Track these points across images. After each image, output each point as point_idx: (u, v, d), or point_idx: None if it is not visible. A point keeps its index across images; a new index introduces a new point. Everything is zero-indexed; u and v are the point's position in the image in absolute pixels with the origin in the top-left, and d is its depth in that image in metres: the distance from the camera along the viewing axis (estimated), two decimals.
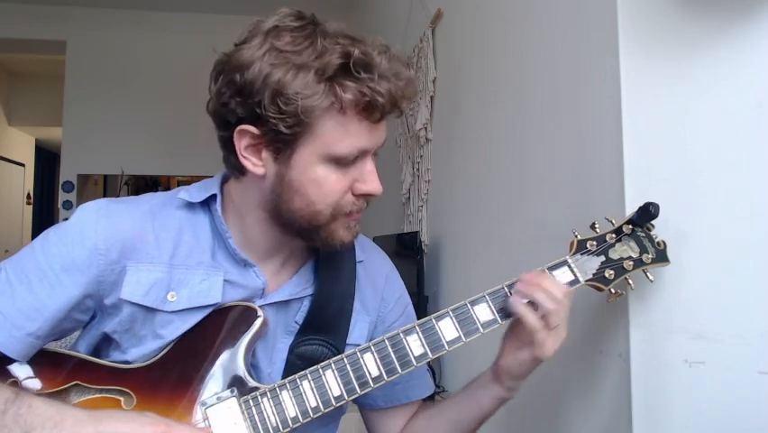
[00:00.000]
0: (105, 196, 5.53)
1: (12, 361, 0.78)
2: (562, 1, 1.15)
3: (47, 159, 7.59)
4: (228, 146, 0.79)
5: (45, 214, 7.15)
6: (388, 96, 0.73)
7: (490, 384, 0.86)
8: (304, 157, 0.75)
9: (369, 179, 0.78)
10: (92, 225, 0.79)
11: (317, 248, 0.90)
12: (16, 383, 0.77)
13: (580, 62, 1.06)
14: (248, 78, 0.72)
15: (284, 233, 0.83)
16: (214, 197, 0.85)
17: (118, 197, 0.90)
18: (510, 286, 0.82)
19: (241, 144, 0.77)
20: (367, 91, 0.72)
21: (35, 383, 0.78)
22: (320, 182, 0.76)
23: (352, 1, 4.10)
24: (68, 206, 4.62)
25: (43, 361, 0.80)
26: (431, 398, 1.00)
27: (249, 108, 0.73)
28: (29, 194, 7.33)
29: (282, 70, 0.71)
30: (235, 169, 0.82)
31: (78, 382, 0.78)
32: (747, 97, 0.87)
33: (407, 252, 2.15)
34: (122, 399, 0.77)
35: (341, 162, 0.76)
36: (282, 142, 0.74)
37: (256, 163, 0.77)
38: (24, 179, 7.25)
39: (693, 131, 0.89)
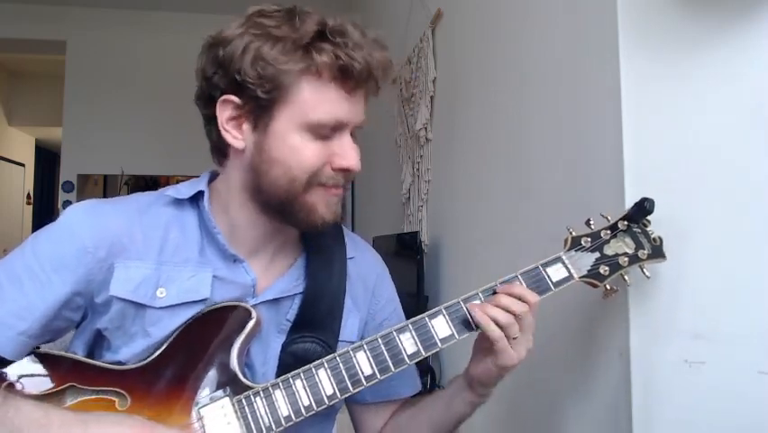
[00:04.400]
0: (105, 196, 5.53)
1: (5, 361, 0.78)
2: (561, 1, 1.15)
3: (47, 159, 7.58)
4: (212, 124, 0.81)
5: (45, 214, 7.14)
6: (362, 63, 0.76)
7: (463, 391, 0.87)
8: (282, 124, 0.77)
9: (347, 154, 0.79)
10: (80, 225, 0.80)
11: (308, 244, 0.91)
12: (7, 386, 0.77)
13: (580, 62, 1.06)
14: (229, 50, 0.76)
15: (266, 213, 0.83)
16: (201, 193, 0.85)
17: (118, 196, 0.90)
18: (503, 283, 0.82)
19: (223, 117, 0.79)
20: (342, 55, 0.75)
21: (37, 382, 0.78)
22: (298, 149, 0.77)
23: (352, 1, 4.10)
24: (68, 206, 4.61)
25: (38, 363, 0.80)
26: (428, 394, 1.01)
27: (230, 78, 0.77)
28: (29, 194, 7.33)
29: (261, 40, 0.75)
30: (219, 151, 0.84)
31: (73, 384, 0.78)
32: (747, 97, 0.87)
33: (407, 252, 2.15)
34: (116, 400, 0.77)
35: (318, 132, 0.77)
36: (261, 108, 0.77)
37: (236, 136, 0.80)
38: (24, 179, 7.25)
39: (693, 131, 0.89)
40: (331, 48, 0.75)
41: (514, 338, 0.78)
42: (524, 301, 0.79)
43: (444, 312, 0.81)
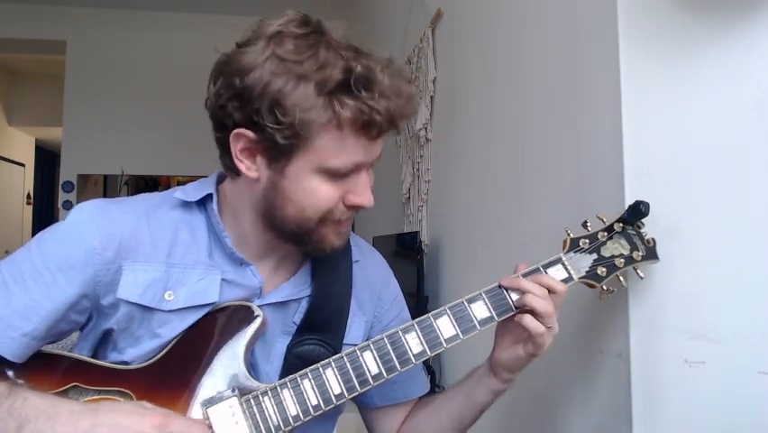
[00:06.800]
0: (105, 196, 5.53)
1: (7, 363, 0.77)
2: (561, 1, 1.15)
3: (47, 159, 7.58)
4: (224, 147, 0.79)
5: (45, 214, 7.14)
6: (386, 115, 0.73)
7: (486, 378, 0.87)
8: (298, 168, 0.75)
9: (361, 191, 0.79)
10: (87, 225, 0.79)
11: None
12: (11, 380, 0.76)
13: (579, 62, 1.06)
14: (247, 83, 0.72)
15: (276, 237, 0.83)
16: (210, 196, 0.85)
17: (118, 197, 0.89)
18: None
19: (236, 147, 0.77)
20: (365, 109, 0.72)
21: (39, 382, 0.78)
22: (313, 192, 0.76)
23: (352, 0, 4.10)
24: (68, 206, 4.61)
25: (41, 363, 0.79)
26: (427, 395, 1.01)
27: (246, 114, 0.73)
28: (29, 194, 7.32)
29: (282, 80, 0.71)
30: (230, 169, 0.82)
31: (77, 384, 0.78)
32: (747, 97, 0.87)
33: (407, 252, 2.15)
34: (121, 400, 0.77)
35: (335, 175, 0.76)
36: (277, 151, 0.75)
37: (250, 167, 0.78)
38: (24, 179, 7.25)
39: (693, 131, 0.89)
40: (355, 103, 0.72)
41: (549, 327, 0.79)
42: (552, 291, 0.81)
43: (449, 312, 0.82)
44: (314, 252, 0.84)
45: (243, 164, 0.78)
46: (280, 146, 0.73)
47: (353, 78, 0.71)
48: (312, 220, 0.78)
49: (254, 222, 0.83)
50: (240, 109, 0.74)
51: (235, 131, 0.75)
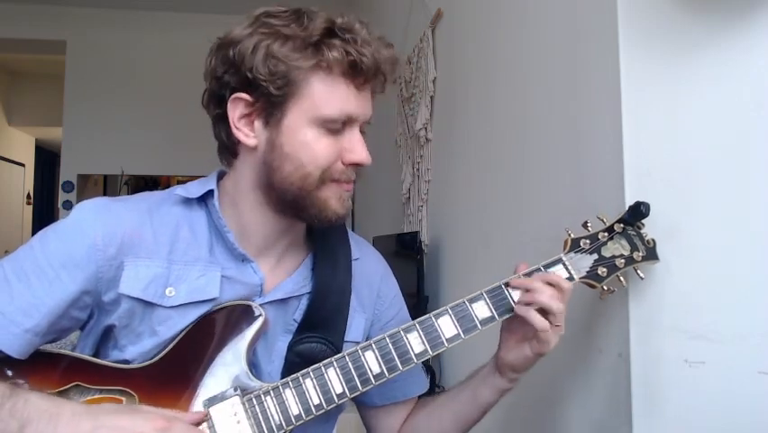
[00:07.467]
0: (105, 195, 5.52)
1: (9, 360, 0.77)
2: (561, 1, 1.15)
3: (47, 159, 7.58)
4: (222, 123, 0.83)
5: (45, 214, 7.13)
6: (371, 59, 0.78)
7: (491, 377, 0.87)
8: (293, 120, 0.78)
9: (357, 148, 0.81)
10: (90, 222, 0.80)
11: (314, 244, 0.91)
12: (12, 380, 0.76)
13: (579, 62, 1.06)
14: (240, 49, 0.77)
15: (277, 211, 0.84)
16: (211, 192, 0.86)
17: (125, 195, 0.90)
18: (507, 285, 0.83)
19: (234, 115, 0.80)
20: (351, 51, 0.77)
21: (41, 381, 0.78)
22: (310, 145, 0.79)
23: (352, 0, 4.10)
24: (68, 206, 4.61)
25: (43, 362, 0.79)
26: (428, 395, 1.01)
27: (241, 76, 0.78)
28: (29, 194, 7.32)
29: (271, 39, 0.77)
30: (228, 151, 0.85)
31: (79, 383, 0.78)
32: (747, 98, 0.87)
33: (407, 252, 2.15)
34: (123, 399, 0.77)
35: (329, 127, 0.79)
36: (273, 105, 0.78)
37: (248, 134, 0.81)
38: (24, 179, 7.24)
39: (693, 131, 0.89)
40: (340, 44, 0.77)
41: (557, 325, 0.80)
42: (558, 288, 0.81)
43: (450, 312, 0.82)
44: (318, 223, 0.84)
45: (242, 132, 0.81)
46: (274, 98, 0.77)
47: (336, 26, 0.77)
48: (312, 177, 0.79)
49: (255, 203, 0.84)
50: (235, 74, 0.79)
51: (233, 96, 0.79)
